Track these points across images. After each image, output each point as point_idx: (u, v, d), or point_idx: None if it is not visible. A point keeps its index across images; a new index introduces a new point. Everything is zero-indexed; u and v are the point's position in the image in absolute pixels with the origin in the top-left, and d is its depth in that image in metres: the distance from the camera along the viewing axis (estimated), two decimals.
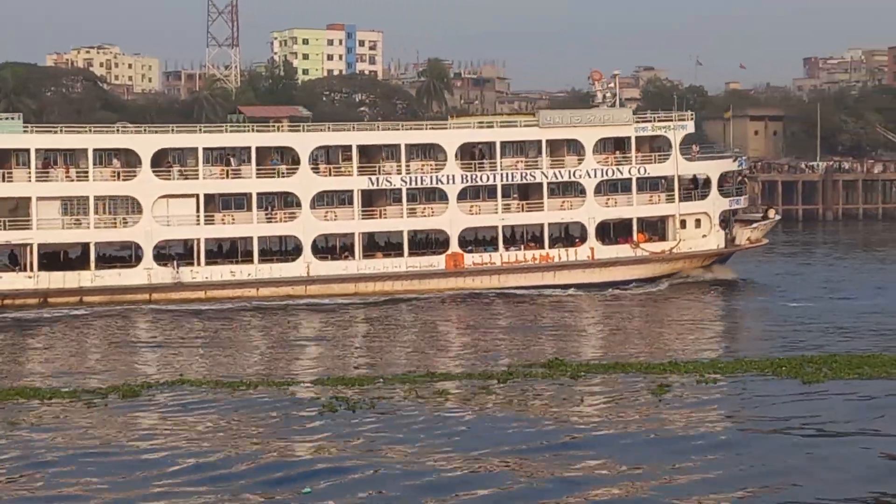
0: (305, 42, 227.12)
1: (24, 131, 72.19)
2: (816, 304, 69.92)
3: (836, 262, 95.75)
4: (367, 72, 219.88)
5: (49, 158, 72.25)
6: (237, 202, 74.47)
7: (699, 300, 74.09)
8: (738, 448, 33.34)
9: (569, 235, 79.95)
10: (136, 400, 40.48)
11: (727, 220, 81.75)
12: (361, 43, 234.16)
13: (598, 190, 78.83)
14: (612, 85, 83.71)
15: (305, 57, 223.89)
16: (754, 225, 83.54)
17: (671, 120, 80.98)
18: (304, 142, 74.94)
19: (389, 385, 42.53)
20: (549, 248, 77.77)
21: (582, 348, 56.49)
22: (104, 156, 72.87)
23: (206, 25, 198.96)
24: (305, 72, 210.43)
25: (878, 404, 38.37)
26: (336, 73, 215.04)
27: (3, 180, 70.03)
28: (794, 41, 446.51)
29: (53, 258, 72.37)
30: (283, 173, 74.36)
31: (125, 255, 74.81)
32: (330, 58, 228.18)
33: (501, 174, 77.32)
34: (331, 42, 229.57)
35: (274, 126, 76.47)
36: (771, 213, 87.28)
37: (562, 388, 41.98)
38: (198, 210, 72.59)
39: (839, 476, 30.49)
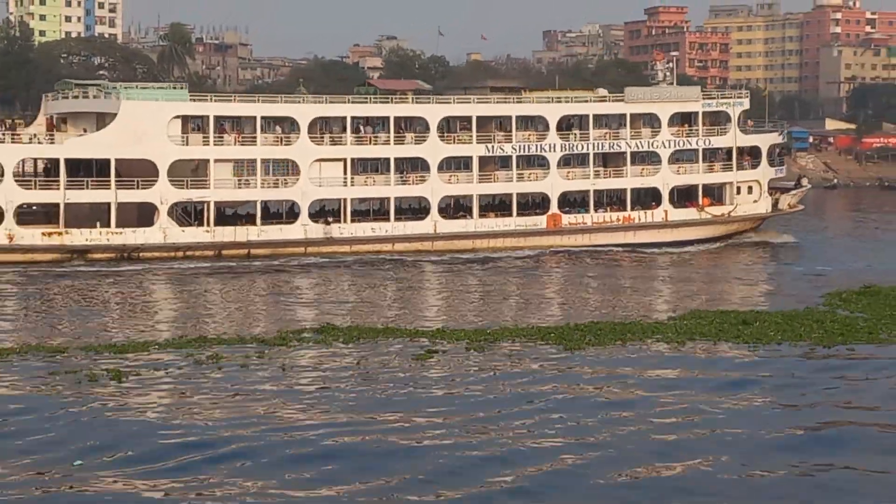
0: (43, 2, 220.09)
1: (192, 99, 79.03)
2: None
3: None
4: (106, 35, 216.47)
5: (220, 124, 79.12)
6: (373, 166, 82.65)
7: (736, 260, 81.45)
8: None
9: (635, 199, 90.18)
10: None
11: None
12: (101, 5, 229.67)
13: (670, 159, 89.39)
14: (670, 65, 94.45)
15: (43, 18, 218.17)
16: (793, 192, 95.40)
17: (731, 97, 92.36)
18: (433, 112, 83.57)
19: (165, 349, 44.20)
20: (631, 210, 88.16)
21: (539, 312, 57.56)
22: (266, 123, 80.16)
23: None
24: (42, 33, 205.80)
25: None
26: (74, 35, 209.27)
27: (186, 144, 76.90)
28: (533, 14, 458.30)
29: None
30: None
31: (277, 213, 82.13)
32: (68, 19, 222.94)
33: (593, 143, 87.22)
34: (69, 3, 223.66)
35: (407, 97, 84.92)
36: (804, 181, 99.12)
37: (313, 355, 43.85)
38: (345, 172, 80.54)
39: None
